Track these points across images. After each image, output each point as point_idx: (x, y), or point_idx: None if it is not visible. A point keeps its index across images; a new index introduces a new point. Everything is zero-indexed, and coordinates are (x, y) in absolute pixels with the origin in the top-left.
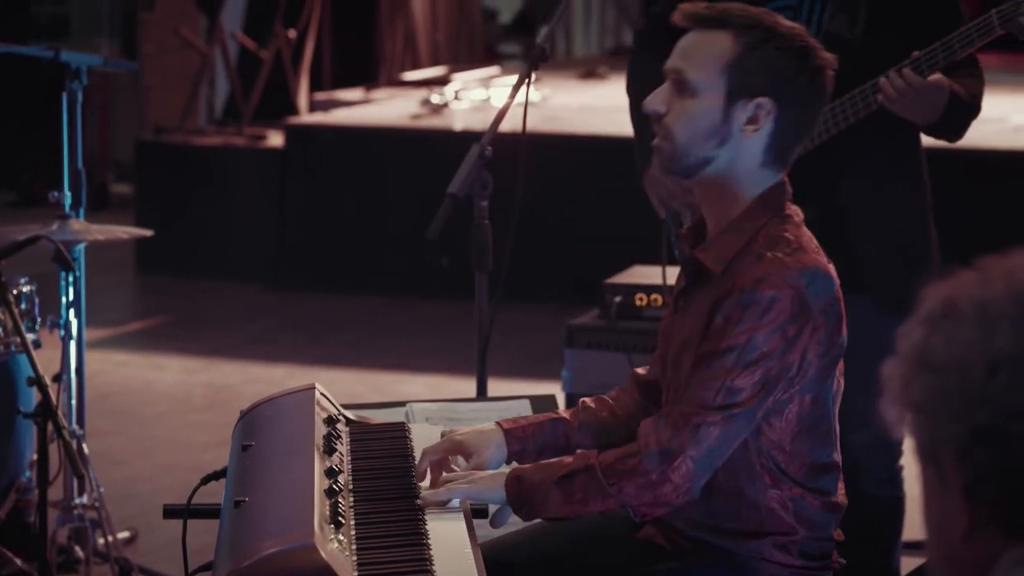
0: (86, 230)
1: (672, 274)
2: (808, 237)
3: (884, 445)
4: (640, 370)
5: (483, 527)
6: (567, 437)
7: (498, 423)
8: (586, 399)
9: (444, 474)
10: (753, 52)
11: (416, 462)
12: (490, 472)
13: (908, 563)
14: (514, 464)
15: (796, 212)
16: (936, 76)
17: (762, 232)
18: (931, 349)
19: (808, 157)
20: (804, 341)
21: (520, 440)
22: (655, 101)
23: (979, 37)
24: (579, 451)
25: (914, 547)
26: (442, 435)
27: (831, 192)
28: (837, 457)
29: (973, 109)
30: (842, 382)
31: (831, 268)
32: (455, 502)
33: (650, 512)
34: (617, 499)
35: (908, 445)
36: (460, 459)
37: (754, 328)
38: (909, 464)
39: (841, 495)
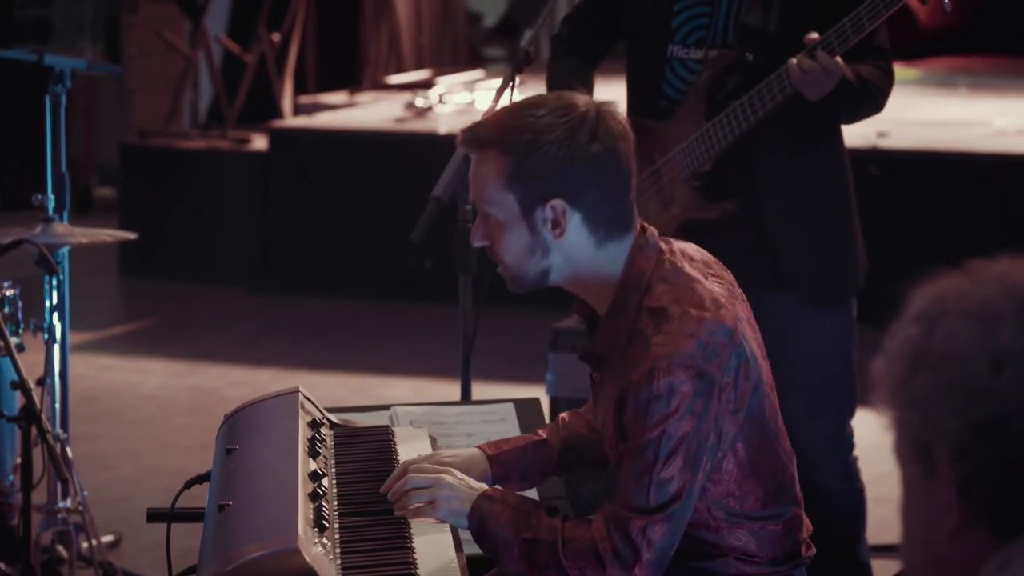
0: (70, 233)
1: None
2: (686, 278)
3: (833, 440)
4: (585, 410)
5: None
6: (550, 459)
7: (481, 448)
8: (563, 414)
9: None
10: (521, 162)
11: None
12: (457, 485)
13: (877, 565)
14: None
15: (668, 251)
16: (836, 58)
17: (644, 306)
18: (931, 345)
19: (726, 153)
20: (714, 408)
21: (503, 464)
22: (476, 237)
23: (885, 8)
24: (546, 518)
25: (882, 550)
26: (431, 441)
27: (749, 187)
28: (791, 468)
29: (864, 96)
30: (773, 394)
31: (721, 310)
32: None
33: None
34: None
35: (860, 441)
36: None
37: (662, 419)
38: (865, 459)
39: (798, 498)
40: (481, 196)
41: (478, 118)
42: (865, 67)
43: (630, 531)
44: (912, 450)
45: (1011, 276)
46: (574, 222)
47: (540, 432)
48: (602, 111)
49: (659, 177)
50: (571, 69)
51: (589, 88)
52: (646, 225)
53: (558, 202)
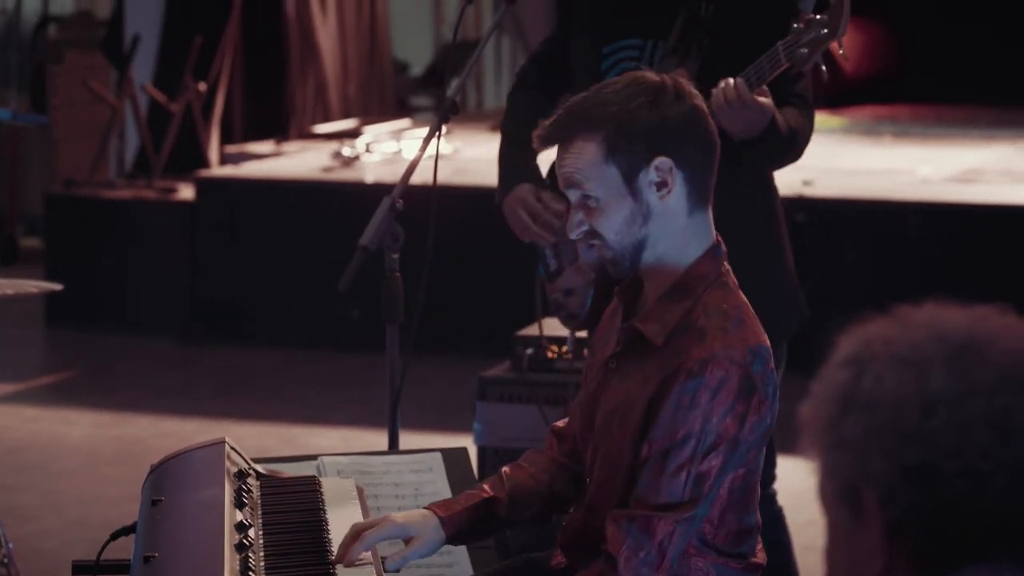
0: None
1: (548, 325)
2: (744, 304)
3: None
4: (560, 423)
5: None
6: (498, 516)
7: (432, 509)
8: (505, 468)
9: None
10: (615, 132)
11: (328, 517)
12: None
13: None
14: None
15: (728, 272)
16: (766, 100)
17: (701, 302)
18: (860, 389)
19: None
20: (752, 417)
21: (456, 526)
22: (575, 229)
23: (770, 70)
24: None
25: None
26: (358, 491)
27: None
28: (758, 517)
29: (788, 143)
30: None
31: (766, 336)
32: (367, 554)
33: None
34: None
35: (786, 488)
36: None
37: (706, 413)
38: (790, 506)
39: (760, 553)
40: (579, 178)
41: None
42: (788, 108)
43: (656, 532)
44: (840, 493)
45: (939, 321)
46: (679, 181)
47: (486, 487)
48: (675, 78)
49: None
50: (530, 106)
51: None
52: (720, 238)
53: (663, 160)
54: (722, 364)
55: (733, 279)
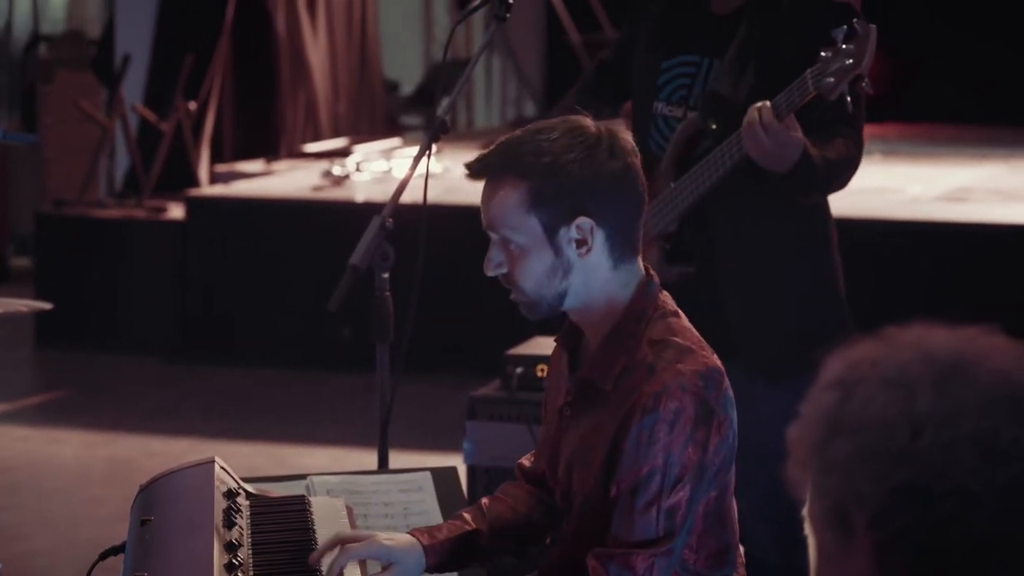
0: None
1: (538, 344)
2: (686, 329)
3: (767, 510)
4: (524, 460)
5: None
6: (480, 547)
7: (416, 537)
8: (483, 499)
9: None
10: (543, 184)
11: (317, 536)
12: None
13: None
14: None
15: (666, 301)
16: (797, 133)
17: (645, 339)
18: (849, 410)
19: (688, 217)
20: (714, 439)
21: (438, 554)
22: (491, 267)
23: (799, 98)
24: None
25: None
26: (348, 511)
27: (707, 253)
28: (735, 531)
29: (826, 175)
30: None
31: (715, 358)
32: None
33: None
34: None
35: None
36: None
37: (666, 446)
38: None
39: (741, 568)
40: (500, 223)
41: (483, 150)
42: (836, 143)
43: (636, 567)
44: (828, 515)
45: (926, 342)
46: (599, 240)
47: (467, 517)
48: (612, 130)
49: None
50: (587, 109)
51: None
52: (651, 269)
53: (585, 220)
54: (675, 395)
55: (672, 306)
